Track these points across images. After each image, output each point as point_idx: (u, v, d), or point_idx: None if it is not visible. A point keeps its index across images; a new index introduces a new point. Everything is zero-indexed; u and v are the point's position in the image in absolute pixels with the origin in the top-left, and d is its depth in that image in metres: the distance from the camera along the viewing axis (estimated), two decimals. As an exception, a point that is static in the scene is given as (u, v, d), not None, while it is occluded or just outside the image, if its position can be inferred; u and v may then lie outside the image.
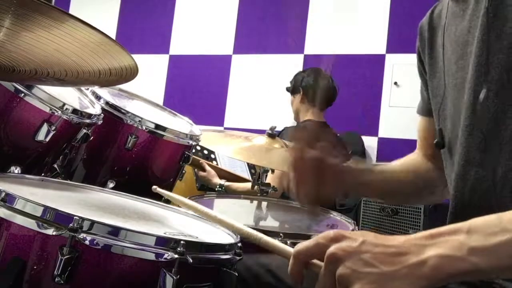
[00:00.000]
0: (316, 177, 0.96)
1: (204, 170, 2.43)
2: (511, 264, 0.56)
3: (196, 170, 2.45)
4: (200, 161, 2.46)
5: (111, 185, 1.46)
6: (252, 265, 0.94)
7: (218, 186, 2.37)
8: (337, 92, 2.70)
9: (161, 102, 2.94)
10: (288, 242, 1.25)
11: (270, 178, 2.03)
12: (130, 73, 0.86)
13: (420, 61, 1.03)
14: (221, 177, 2.43)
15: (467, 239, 0.57)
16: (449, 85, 0.88)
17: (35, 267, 0.76)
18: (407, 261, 0.57)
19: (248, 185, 2.46)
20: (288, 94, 2.80)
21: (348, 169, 1.02)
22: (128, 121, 1.46)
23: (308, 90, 2.63)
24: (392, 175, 1.11)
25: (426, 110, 1.06)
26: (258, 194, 1.88)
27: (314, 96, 2.64)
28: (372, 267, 0.57)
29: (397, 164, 1.15)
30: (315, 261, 0.63)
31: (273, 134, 1.85)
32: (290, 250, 0.67)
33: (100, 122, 1.33)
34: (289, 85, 2.76)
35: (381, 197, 1.29)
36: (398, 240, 0.60)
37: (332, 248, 0.60)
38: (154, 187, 1.16)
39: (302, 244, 0.64)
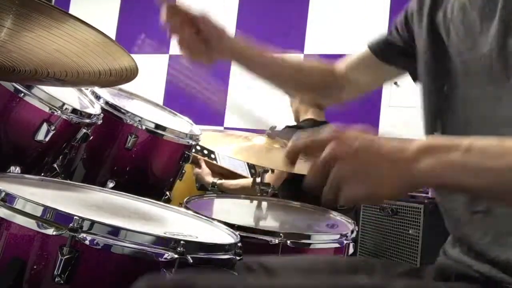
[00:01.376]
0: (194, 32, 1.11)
1: (200, 167, 2.42)
2: (498, 189, 0.60)
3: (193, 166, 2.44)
4: (198, 157, 2.45)
5: (111, 185, 1.46)
6: (252, 265, 0.94)
7: (211, 185, 2.36)
8: None
9: (161, 102, 2.93)
10: (288, 242, 1.25)
11: (269, 178, 2.02)
12: (130, 74, 0.86)
13: (406, 24, 1.05)
14: (217, 174, 2.41)
15: (463, 157, 0.60)
16: (459, 76, 0.85)
17: (35, 267, 0.76)
18: (400, 167, 0.62)
19: (240, 182, 2.46)
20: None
21: (230, 39, 1.17)
22: (128, 121, 1.45)
23: None
24: (283, 62, 1.22)
25: (381, 52, 1.12)
26: (258, 194, 1.88)
27: None
28: (366, 171, 0.63)
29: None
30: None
31: (275, 131, 1.85)
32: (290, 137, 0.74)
33: (99, 122, 1.33)
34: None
35: (261, 78, 1.36)
36: (394, 147, 0.63)
37: (331, 147, 0.64)
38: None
39: (300, 139, 0.70)
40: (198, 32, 1.12)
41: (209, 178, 2.38)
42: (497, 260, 0.74)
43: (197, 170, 2.43)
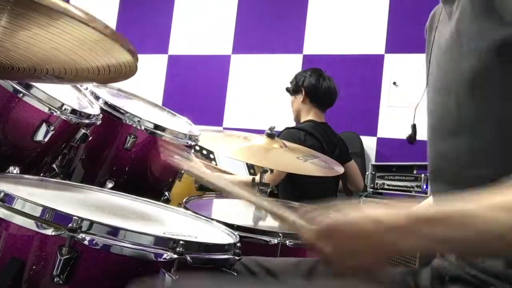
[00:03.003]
0: None
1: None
2: (469, 253, 0.68)
3: None
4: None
5: (110, 185, 1.46)
6: (252, 266, 0.94)
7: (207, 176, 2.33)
8: (337, 93, 2.70)
9: (160, 102, 2.94)
10: (288, 242, 1.25)
11: (267, 178, 2.02)
12: (129, 70, 0.85)
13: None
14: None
15: (431, 230, 0.66)
16: (430, 86, 0.91)
17: (34, 267, 0.76)
18: (386, 250, 0.71)
19: (235, 178, 2.45)
20: (288, 94, 2.79)
21: None
22: (127, 121, 1.45)
23: (311, 90, 2.62)
24: None
25: None
26: (257, 194, 1.88)
27: (317, 96, 2.63)
28: (354, 258, 0.71)
29: None
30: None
31: (272, 134, 1.85)
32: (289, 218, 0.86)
33: (99, 122, 1.33)
34: (289, 85, 2.75)
35: None
36: (383, 228, 0.68)
37: (326, 247, 0.72)
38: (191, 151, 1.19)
39: (307, 228, 0.76)
40: None
41: (204, 170, 2.35)
42: (485, 268, 0.76)
43: (187, 165, 2.39)
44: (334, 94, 2.67)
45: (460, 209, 0.65)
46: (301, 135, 2.49)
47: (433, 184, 0.91)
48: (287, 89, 2.76)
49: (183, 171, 1.69)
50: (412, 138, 0.93)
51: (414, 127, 0.93)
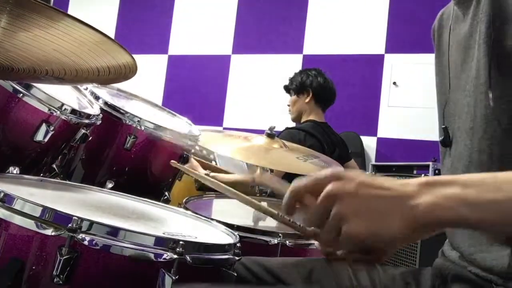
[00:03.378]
0: None
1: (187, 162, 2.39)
2: (497, 220, 0.59)
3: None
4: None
5: (110, 185, 1.46)
6: (252, 266, 0.94)
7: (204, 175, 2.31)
8: (335, 93, 2.71)
9: (160, 102, 2.94)
10: (288, 242, 1.25)
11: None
12: (129, 71, 0.85)
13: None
14: (204, 169, 2.38)
15: (461, 191, 0.60)
16: (453, 87, 0.89)
17: (34, 268, 0.76)
18: (402, 202, 0.61)
19: (233, 176, 2.45)
20: (286, 93, 2.79)
21: None
22: (127, 121, 1.45)
23: (319, 91, 2.62)
24: None
25: None
26: (257, 195, 1.88)
27: (324, 96, 2.64)
28: (368, 206, 0.61)
29: None
30: (310, 197, 0.66)
31: (272, 134, 1.85)
32: (287, 186, 0.70)
33: (98, 122, 1.33)
34: (289, 85, 2.75)
35: None
36: (394, 182, 0.63)
37: (331, 186, 0.62)
38: (172, 161, 1.13)
39: (300, 180, 0.67)
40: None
41: (200, 170, 2.34)
42: (485, 266, 0.76)
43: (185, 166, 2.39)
44: (335, 94, 2.70)
45: (492, 175, 0.62)
46: (301, 135, 2.49)
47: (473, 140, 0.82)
48: (287, 89, 2.76)
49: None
50: (446, 142, 0.92)
51: (446, 129, 0.92)
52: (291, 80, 2.74)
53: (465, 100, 0.84)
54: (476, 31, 0.81)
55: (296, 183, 0.67)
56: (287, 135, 2.47)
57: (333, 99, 2.70)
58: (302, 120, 2.67)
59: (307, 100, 2.64)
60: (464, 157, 0.84)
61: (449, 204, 0.60)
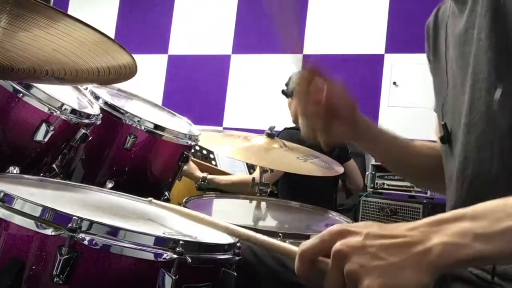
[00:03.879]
0: (326, 110, 0.94)
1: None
2: None
3: None
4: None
5: (109, 185, 1.46)
6: (256, 248, 0.94)
7: (200, 180, 2.30)
8: None
9: (160, 102, 2.94)
10: (287, 242, 1.25)
11: (266, 177, 2.02)
12: (129, 71, 0.85)
13: (428, 59, 1.04)
14: (203, 171, 2.38)
15: (472, 225, 0.57)
16: (450, 83, 0.89)
17: (33, 268, 0.76)
18: (414, 250, 0.57)
19: (232, 177, 2.45)
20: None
21: (360, 115, 1.01)
22: (127, 121, 1.45)
23: None
24: (408, 149, 1.10)
25: None
26: (257, 194, 1.88)
27: None
28: (379, 259, 0.57)
29: (418, 142, 1.12)
30: (321, 258, 0.62)
31: (272, 134, 1.85)
32: (295, 249, 0.67)
33: (98, 122, 1.33)
34: (285, 88, 2.75)
35: (384, 158, 1.22)
36: (402, 228, 0.60)
37: (338, 245, 0.59)
38: (149, 198, 1.13)
39: (307, 243, 0.63)
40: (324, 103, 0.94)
41: (198, 173, 2.33)
42: (485, 268, 0.75)
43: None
44: None
45: (501, 202, 0.58)
46: (300, 135, 2.49)
47: (467, 136, 0.82)
48: (283, 92, 2.77)
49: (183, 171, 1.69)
50: (445, 138, 0.91)
51: (445, 126, 0.91)
52: (286, 83, 2.75)
53: (462, 96, 0.83)
54: (474, 26, 0.81)
55: (303, 247, 0.63)
56: (286, 135, 2.47)
57: None
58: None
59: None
60: (460, 153, 0.83)
61: (463, 241, 0.56)
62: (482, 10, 0.78)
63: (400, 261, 0.57)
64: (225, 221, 0.89)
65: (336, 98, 0.95)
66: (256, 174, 2.08)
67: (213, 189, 2.34)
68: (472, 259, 0.56)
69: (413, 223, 0.60)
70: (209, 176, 2.33)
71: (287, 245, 0.71)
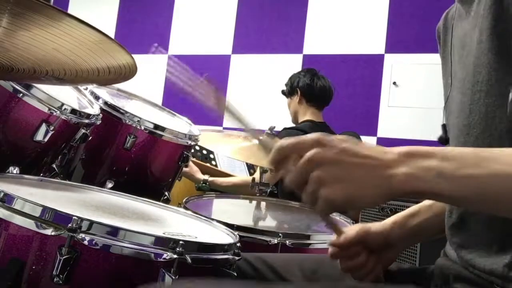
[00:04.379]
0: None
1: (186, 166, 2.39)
2: (474, 197, 0.60)
3: None
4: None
5: (110, 185, 1.46)
6: (254, 262, 0.94)
7: (202, 182, 2.31)
8: (333, 91, 2.70)
9: (160, 102, 2.94)
10: (288, 242, 1.25)
11: (266, 177, 2.02)
12: (129, 71, 0.85)
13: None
14: (203, 173, 2.38)
15: (439, 164, 0.60)
16: (453, 85, 0.89)
17: (34, 267, 0.76)
18: (379, 172, 0.62)
19: (233, 179, 2.45)
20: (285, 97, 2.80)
21: (391, 238, 0.96)
22: (127, 121, 1.45)
23: (306, 90, 2.62)
24: (418, 228, 1.02)
25: None
26: (257, 194, 1.88)
27: (312, 95, 2.63)
28: (346, 173, 0.62)
29: (420, 210, 1.04)
30: (295, 156, 0.67)
31: (272, 134, 1.85)
32: (273, 142, 0.72)
33: (98, 122, 1.33)
34: (285, 88, 2.76)
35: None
36: (376, 150, 0.64)
37: (314, 151, 0.64)
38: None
39: (286, 140, 0.68)
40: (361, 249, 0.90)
41: (200, 176, 2.34)
42: (485, 270, 0.75)
43: (184, 169, 2.39)
44: (329, 93, 2.68)
45: (473, 150, 0.62)
46: (299, 135, 2.48)
47: (466, 137, 0.82)
48: (283, 92, 2.77)
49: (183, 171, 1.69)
50: (443, 139, 0.91)
51: (444, 127, 0.91)
52: (285, 83, 2.76)
53: (461, 97, 0.83)
54: (476, 28, 0.81)
55: (283, 142, 0.68)
56: (286, 134, 2.47)
57: (325, 98, 2.68)
58: (299, 121, 2.67)
59: (298, 100, 2.65)
60: None
61: (425, 176, 0.60)
62: (484, 12, 0.78)
63: (364, 178, 0.62)
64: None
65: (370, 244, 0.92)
66: (257, 174, 2.08)
67: (213, 189, 2.34)
68: (430, 194, 0.61)
69: (388, 148, 0.64)
70: (210, 179, 2.33)
71: (267, 138, 0.77)
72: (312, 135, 0.66)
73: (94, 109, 1.36)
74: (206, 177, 2.33)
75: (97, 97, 1.46)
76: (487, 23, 0.77)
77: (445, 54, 0.96)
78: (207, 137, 1.84)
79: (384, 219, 2.67)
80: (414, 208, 1.01)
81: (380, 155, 0.63)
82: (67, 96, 1.29)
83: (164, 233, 0.88)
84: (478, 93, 0.78)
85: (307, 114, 2.65)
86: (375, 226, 0.95)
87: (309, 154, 0.64)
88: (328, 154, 0.63)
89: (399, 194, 0.61)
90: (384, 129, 3.58)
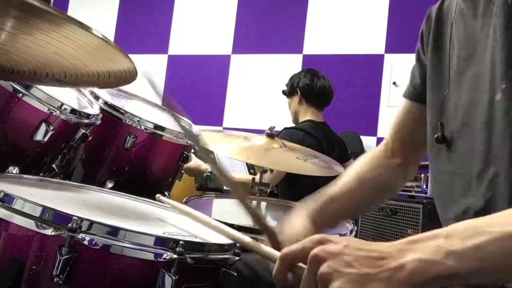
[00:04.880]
0: None
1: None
2: (487, 266, 0.57)
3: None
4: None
5: (109, 185, 1.46)
6: (253, 264, 0.94)
7: (208, 172, 2.28)
8: (333, 91, 2.70)
9: (160, 102, 2.94)
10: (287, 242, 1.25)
11: (267, 177, 2.02)
12: (129, 76, 0.85)
13: (422, 46, 1.02)
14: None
15: (445, 243, 0.58)
16: (453, 81, 0.88)
17: (34, 268, 0.76)
18: (387, 264, 0.58)
19: (239, 176, 2.44)
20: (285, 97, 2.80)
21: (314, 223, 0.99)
22: (127, 121, 1.45)
23: (306, 90, 2.62)
24: (351, 200, 1.09)
25: (416, 94, 1.04)
26: (257, 194, 1.88)
27: (312, 96, 2.63)
28: (352, 268, 0.58)
29: (351, 183, 1.10)
30: (300, 264, 0.64)
31: (272, 134, 1.85)
32: (276, 253, 0.68)
33: (98, 122, 1.33)
34: (285, 88, 2.76)
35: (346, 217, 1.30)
36: (380, 245, 0.61)
37: (316, 250, 0.61)
38: (157, 195, 1.15)
39: (289, 248, 0.65)
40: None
41: (204, 167, 2.30)
42: None
43: (187, 165, 2.36)
44: (329, 93, 2.67)
45: (473, 220, 0.60)
46: (300, 135, 2.49)
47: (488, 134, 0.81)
48: (283, 92, 2.77)
49: (183, 171, 1.69)
50: (440, 138, 0.90)
51: (441, 126, 0.90)
52: (286, 83, 2.76)
53: (477, 95, 0.83)
54: (489, 25, 0.80)
55: (285, 251, 0.65)
56: (286, 134, 2.47)
57: (326, 98, 2.68)
58: (300, 121, 2.67)
59: (298, 100, 2.65)
60: (478, 153, 0.82)
61: (435, 258, 0.57)
62: (497, 10, 0.78)
63: (372, 273, 0.58)
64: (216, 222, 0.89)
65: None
66: (267, 178, 2.06)
67: (213, 189, 2.34)
68: (445, 276, 0.57)
69: (391, 242, 0.62)
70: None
71: (269, 249, 0.73)
72: (312, 237, 0.64)
73: (94, 109, 1.36)
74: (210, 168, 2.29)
75: (97, 97, 1.46)
76: (500, 20, 0.77)
77: (440, 47, 0.95)
78: (207, 137, 1.84)
79: (384, 219, 2.66)
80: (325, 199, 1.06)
81: (385, 248, 0.60)
82: (67, 96, 1.29)
83: (164, 233, 0.88)
84: (498, 89, 0.78)
85: (308, 114, 2.65)
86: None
87: (312, 252, 0.61)
88: (332, 249, 0.60)
89: (410, 284, 0.57)
90: (384, 129, 3.58)
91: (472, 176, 0.83)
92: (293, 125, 2.72)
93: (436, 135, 0.90)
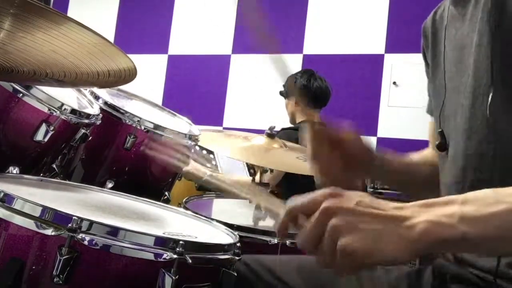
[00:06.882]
0: (338, 156, 0.92)
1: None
2: (499, 235, 0.57)
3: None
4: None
5: (110, 185, 1.46)
6: (253, 264, 0.94)
7: (207, 175, 2.28)
8: (330, 92, 2.70)
9: (160, 102, 2.94)
10: (288, 242, 1.25)
11: (266, 177, 2.02)
12: (128, 75, 0.86)
13: (425, 62, 1.03)
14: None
15: (460, 208, 0.58)
16: (448, 88, 0.89)
17: (34, 268, 0.76)
18: (399, 223, 0.59)
19: (238, 178, 2.44)
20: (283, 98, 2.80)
21: (369, 153, 0.99)
22: (127, 121, 1.45)
23: (303, 91, 2.62)
24: (411, 167, 1.09)
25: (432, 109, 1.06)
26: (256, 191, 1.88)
27: (310, 97, 2.63)
28: (365, 223, 0.59)
29: (416, 156, 1.12)
30: (305, 217, 0.63)
31: (272, 134, 1.85)
32: (283, 205, 0.68)
33: (98, 122, 1.33)
34: (282, 89, 2.76)
35: (397, 186, 1.28)
36: (393, 205, 0.61)
37: (328, 202, 0.61)
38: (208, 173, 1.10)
39: (298, 199, 0.64)
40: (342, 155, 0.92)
41: (203, 169, 2.31)
42: (484, 268, 0.75)
43: (185, 168, 2.36)
44: (326, 93, 2.67)
45: (492, 189, 0.60)
46: (297, 135, 2.49)
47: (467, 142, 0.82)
48: (281, 93, 2.77)
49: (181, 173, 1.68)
50: (442, 145, 0.90)
51: (442, 133, 0.90)
52: (283, 84, 2.76)
53: (461, 101, 0.83)
54: (475, 31, 0.81)
55: (293, 202, 0.65)
56: (284, 135, 2.47)
57: (322, 98, 2.67)
58: (297, 121, 2.68)
59: (294, 102, 2.65)
60: (459, 159, 0.82)
61: (448, 222, 0.57)
62: (483, 15, 0.78)
63: (384, 230, 0.58)
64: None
65: (353, 148, 0.94)
66: (267, 178, 2.07)
67: (213, 189, 2.33)
68: (455, 240, 0.58)
69: (403, 204, 0.62)
70: (215, 174, 2.31)
71: (276, 200, 0.73)
72: (324, 190, 0.63)
73: (94, 109, 1.36)
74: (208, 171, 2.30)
75: (97, 97, 1.46)
76: (488, 27, 0.77)
77: (436, 54, 0.96)
78: (207, 137, 1.84)
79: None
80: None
81: (397, 208, 0.60)
82: (67, 96, 1.29)
83: (164, 233, 0.88)
84: (480, 96, 0.78)
85: (305, 115, 2.65)
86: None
87: (324, 204, 0.60)
88: (344, 204, 0.60)
89: (422, 246, 0.58)
90: (384, 129, 3.58)
91: (456, 182, 0.83)
92: (291, 125, 2.72)
93: (437, 143, 0.91)
